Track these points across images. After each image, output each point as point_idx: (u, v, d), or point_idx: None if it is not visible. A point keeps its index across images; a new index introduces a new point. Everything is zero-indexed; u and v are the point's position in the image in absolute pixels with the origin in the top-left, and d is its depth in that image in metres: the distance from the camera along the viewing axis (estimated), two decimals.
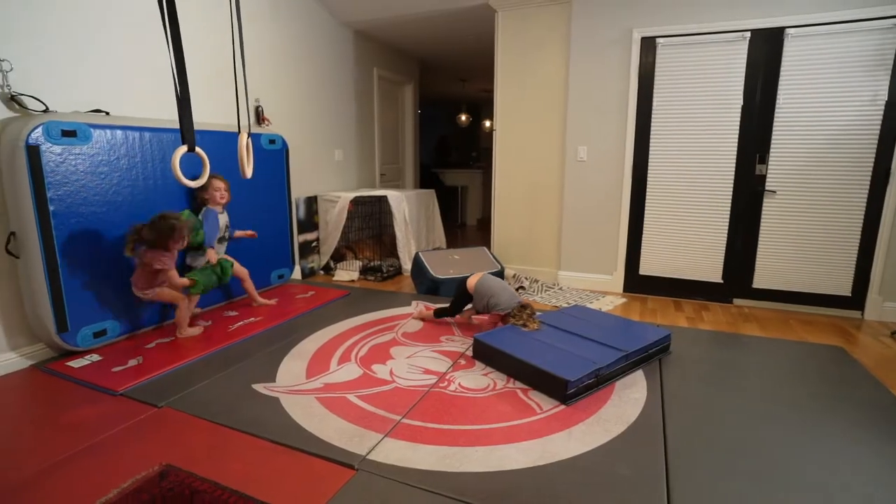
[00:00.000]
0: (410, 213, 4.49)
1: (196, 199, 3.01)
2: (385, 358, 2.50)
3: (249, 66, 3.56)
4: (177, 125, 2.88)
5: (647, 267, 3.83)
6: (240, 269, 3.18)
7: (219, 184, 2.97)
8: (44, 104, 2.38)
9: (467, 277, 2.89)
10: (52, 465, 1.66)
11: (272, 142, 3.58)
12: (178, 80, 1.85)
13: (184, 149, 2.05)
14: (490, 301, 2.74)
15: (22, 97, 2.32)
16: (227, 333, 2.83)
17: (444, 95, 8.97)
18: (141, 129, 2.70)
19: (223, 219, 3.04)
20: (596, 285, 3.98)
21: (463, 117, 8.70)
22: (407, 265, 4.41)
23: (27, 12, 2.35)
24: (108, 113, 2.66)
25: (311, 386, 2.20)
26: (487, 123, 9.90)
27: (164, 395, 2.12)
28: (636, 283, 3.88)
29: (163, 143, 2.81)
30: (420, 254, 3.86)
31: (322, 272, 4.52)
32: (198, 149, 2.12)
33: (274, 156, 3.62)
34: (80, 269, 2.47)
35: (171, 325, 2.91)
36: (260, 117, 3.70)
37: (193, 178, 2.17)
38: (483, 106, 10.06)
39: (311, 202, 4.40)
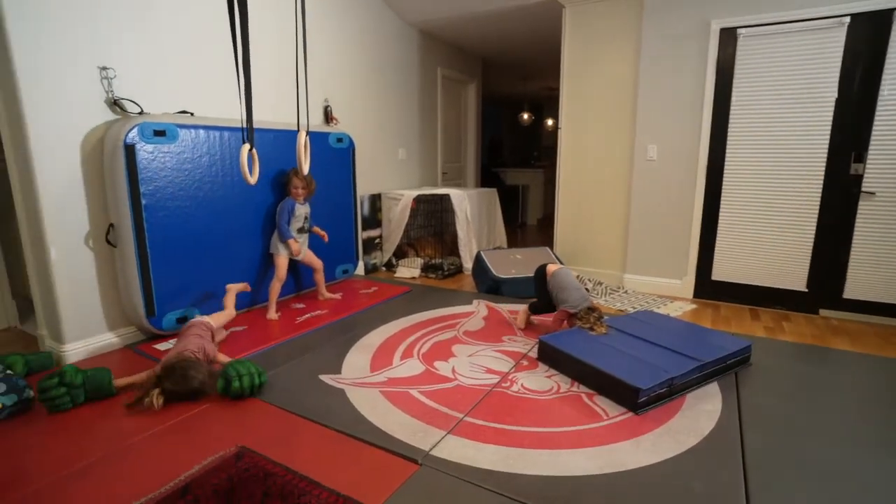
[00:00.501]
0: (472, 211, 4.49)
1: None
2: (447, 355, 2.51)
3: (319, 67, 3.70)
4: (258, 125, 3.08)
5: (720, 272, 3.61)
6: (314, 260, 3.30)
7: (297, 181, 3.11)
8: (139, 107, 2.58)
9: (546, 265, 2.88)
10: (142, 439, 1.80)
11: (339, 140, 3.70)
12: (243, 84, 1.92)
13: (248, 147, 2.15)
14: (559, 295, 2.69)
15: (122, 101, 2.53)
16: (296, 325, 2.95)
17: (504, 94, 8.91)
18: (221, 129, 2.86)
19: (302, 209, 3.17)
20: (664, 290, 3.80)
21: (525, 115, 8.60)
22: (468, 264, 4.41)
23: (129, 23, 2.56)
24: (192, 114, 2.85)
25: (375, 379, 2.25)
26: (550, 122, 9.73)
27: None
28: (708, 288, 3.67)
29: (241, 142, 2.97)
30: (482, 253, 3.85)
31: (384, 268, 4.61)
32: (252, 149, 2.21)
33: (341, 154, 3.73)
34: (166, 259, 2.66)
35: (247, 313, 3.08)
36: (329, 116, 3.83)
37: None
38: (545, 104, 9.89)
39: (375, 200, 4.51)
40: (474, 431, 1.83)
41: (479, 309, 3.26)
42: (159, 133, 2.56)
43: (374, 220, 4.52)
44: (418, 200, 4.52)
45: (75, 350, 2.51)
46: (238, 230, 3.02)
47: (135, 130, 2.45)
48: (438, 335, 2.79)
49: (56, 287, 2.42)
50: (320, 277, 3.40)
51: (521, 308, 3.02)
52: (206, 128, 2.78)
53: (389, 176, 4.68)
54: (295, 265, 3.38)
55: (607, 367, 2.08)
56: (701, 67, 3.44)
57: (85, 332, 2.55)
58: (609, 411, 1.97)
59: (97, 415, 1.98)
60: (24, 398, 2.02)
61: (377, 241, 4.57)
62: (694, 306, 3.53)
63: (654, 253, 3.82)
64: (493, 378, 2.26)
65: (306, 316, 3.10)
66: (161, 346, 2.61)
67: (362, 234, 4.37)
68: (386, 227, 4.58)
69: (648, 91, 3.66)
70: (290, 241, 3.11)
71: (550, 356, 2.37)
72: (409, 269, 4.37)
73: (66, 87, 2.35)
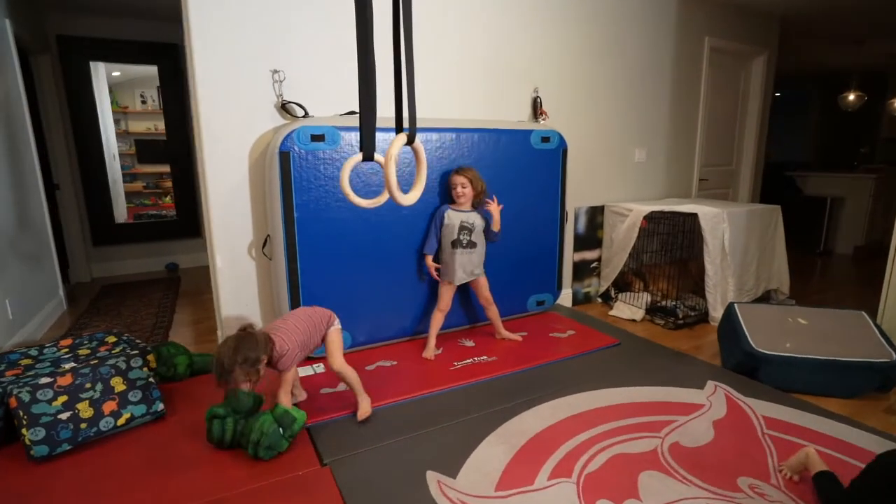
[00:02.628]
0: (734, 238, 3.12)
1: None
2: (627, 491, 1.53)
3: (527, 45, 2.99)
4: (432, 123, 2.60)
5: None
6: (482, 291, 2.66)
7: (455, 178, 2.52)
8: (304, 109, 2.37)
9: None
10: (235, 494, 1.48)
11: (546, 139, 2.92)
12: (360, 76, 1.34)
13: (358, 158, 1.58)
14: None
15: (290, 104, 2.35)
16: (448, 373, 2.36)
17: (813, 68, 6.47)
18: (391, 131, 2.45)
19: (458, 217, 2.54)
20: None
21: (851, 97, 6.01)
22: (715, 313, 3.09)
23: (295, 23, 2.35)
24: None
25: None
26: None
27: (337, 447, 1.78)
28: None
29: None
30: (736, 306, 2.54)
31: (600, 300, 3.65)
32: (378, 156, 1.63)
33: (546, 156, 2.95)
34: (318, 276, 2.40)
35: (406, 343, 2.65)
36: (537, 110, 3.09)
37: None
38: (891, 78, 6.87)
39: (595, 213, 3.57)
40: None
41: (713, 402, 2.07)
42: (317, 138, 2.29)
43: (592, 239, 3.59)
44: (651, 219, 3.38)
45: None
46: (405, 247, 2.59)
47: (291, 136, 2.23)
48: (629, 442, 1.80)
49: (220, 295, 2.41)
50: (492, 314, 2.72)
51: (803, 451, 1.60)
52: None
53: (618, 183, 3.65)
54: (470, 290, 2.79)
55: None
56: None
57: None
58: None
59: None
60: (152, 411, 1.98)
61: (594, 265, 3.63)
62: None
63: None
64: None
65: (467, 361, 2.48)
66: (305, 371, 2.37)
67: (574, 256, 3.50)
68: (607, 249, 3.60)
69: None
70: (428, 258, 2.55)
71: None
72: (629, 308, 3.31)
73: (239, 91, 2.27)
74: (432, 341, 2.57)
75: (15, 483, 1.68)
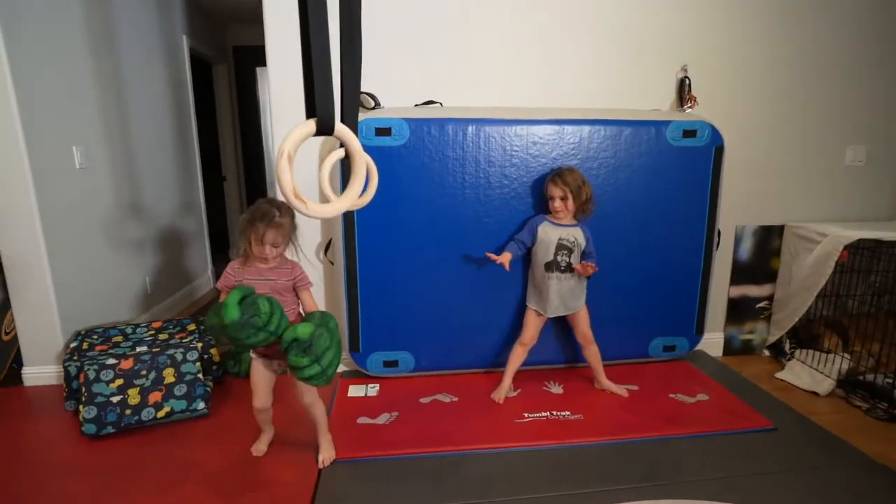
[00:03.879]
0: None
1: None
2: None
3: (670, 12, 2.30)
4: (523, 114, 2.12)
5: None
6: (580, 327, 2.09)
7: (551, 189, 2.00)
8: (374, 100, 2.11)
9: None
10: None
11: (690, 133, 2.18)
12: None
13: (337, 155, 1.22)
14: None
15: (362, 95, 2.12)
16: (514, 427, 1.88)
17: None
18: (473, 122, 2.06)
19: (556, 233, 2.01)
20: None
21: None
22: None
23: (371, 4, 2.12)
24: (441, 104, 2.17)
25: None
26: None
27: (338, 499, 1.48)
28: None
29: (505, 139, 2.08)
30: None
31: (766, 353, 2.69)
32: (348, 140, 1.23)
33: (690, 156, 2.21)
34: (380, 288, 2.14)
35: (478, 375, 2.24)
36: (684, 94, 2.34)
37: None
38: None
39: (769, 236, 2.61)
40: None
41: None
42: (383, 131, 2.02)
43: (761, 271, 2.65)
44: (856, 249, 2.32)
45: None
46: (487, 264, 2.17)
47: None
48: None
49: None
50: (590, 354, 2.13)
51: None
52: (452, 122, 2.05)
53: (811, 195, 2.62)
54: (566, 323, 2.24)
55: None
56: None
57: None
58: None
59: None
60: (192, 408, 1.95)
61: (762, 305, 2.68)
62: None
63: None
64: None
65: (542, 414, 1.96)
66: (353, 389, 2.14)
67: (731, 291, 2.63)
68: (783, 286, 2.61)
69: None
70: (507, 255, 2.00)
71: None
72: (810, 373, 2.34)
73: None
74: (506, 381, 2.11)
75: (65, 453, 1.78)
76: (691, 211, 2.27)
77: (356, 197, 0.91)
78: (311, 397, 1.64)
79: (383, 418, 1.92)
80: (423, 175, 2.07)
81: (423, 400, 2.07)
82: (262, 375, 1.62)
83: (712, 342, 2.61)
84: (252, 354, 1.60)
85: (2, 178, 2.08)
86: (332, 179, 2.02)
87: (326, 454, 1.68)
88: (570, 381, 2.23)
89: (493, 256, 1.99)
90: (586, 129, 2.12)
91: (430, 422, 1.90)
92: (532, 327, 2.10)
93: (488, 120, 2.06)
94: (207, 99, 4.36)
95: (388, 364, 2.21)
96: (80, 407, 1.86)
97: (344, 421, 1.91)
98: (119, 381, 1.89)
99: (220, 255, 4.14)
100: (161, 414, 1.91)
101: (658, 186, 2.20)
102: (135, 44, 2.90)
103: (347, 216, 2.06)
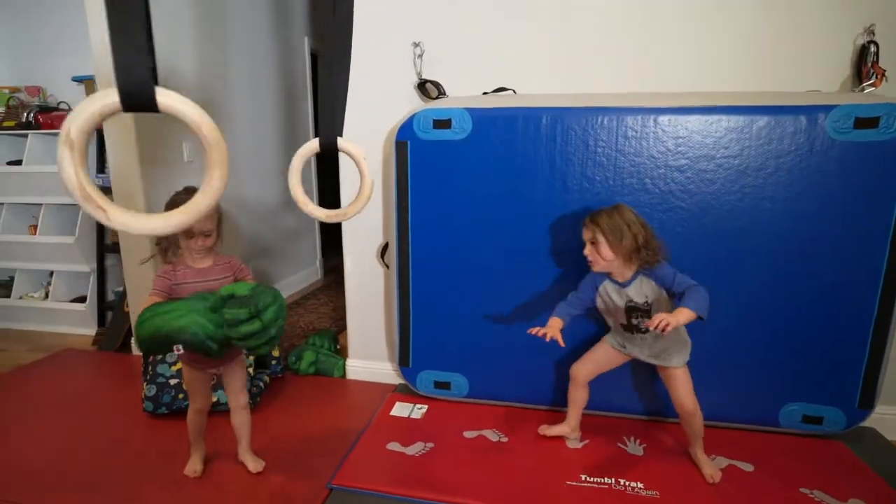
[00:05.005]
0: None
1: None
2: None
3: None
4: (611, 103, 1.68)
5: None
6: (679, 392, 1.58)
7: (584, 231, 1.53)
8: (438, 89, 1.87)
9: None
10: None
11: (866, 122, 1.53)
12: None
13: (313, 146, 1.01)
14: None
15: (427, 84, 1.90)
16: (565, 490, 1.51)
17: None
18: (548, 112, 1.70)
19: (618, 295, 1.53)
20: None
21: None
22: None
23: None
24: (514, 91, 1.84)
25: None
26: None
27: None
28: None
29: (587, 132, 1.69)
30: None
31: None
32: (347, 144, 1.01)
33: (864, 154, 1.56)
34: (434, 300, 1.92)
35: (535, 413, 1.88)
36: (865, 68, 1.66)
37: None
38: None
39: None
40: None
41: None
42: (442, 124, 1.77)
43: None
44: None
45: (354, 367, 2.27)
46: (559, 286, 1.80)
47: (411, 121, 1.79)
48: None
49: (347, 298, 2.22)
50: (690, 425, 1.60)
51: None
52: (523, 111, 1.72)
53: None
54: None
55: None
56: None
57: (366, 352, 2.26)
58: None
59: None
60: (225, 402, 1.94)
61: None
62: None
63: None
64: None
65: (605, 480, 1.54)
66: (397, 408, 1.95)
67: None
68: None
69: None
70: (553, 321, 1.54)
71: None
72: None
73: (374, 70, 1.97)
74: (570, 421, 1.73)
75: (126, 425, 1.90)
76: (862, 233, 1.60)
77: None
78: (245, 400, 1.53)
79: (415, 448, 1.70)
80: (487, 175, 1.78)
81: (468, 434, 1.79)
82: (196, 377, 1.50)
83: (889, 419, 1.85)
84: (179, 356, 1.46)
85: (118, 167, 2.32)
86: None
87: (255, 466, 1.58)
88: (657, 441, 1.75)
89: (537, 331, 1.50)
90: (698, 119, 1.62)
91: (463, 464, 1.62)
92: (598, 361, 1.68)
93: (567, 109, 1.69)
94: None
95: (439, 385, 1.98)
96: (144, 384, 1.97)
97: (373, 443, 1.73)
98: (179, 365, 1.97)
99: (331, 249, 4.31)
100: None
101: (808, 197, 1.60)
102: (248, 44, 3.07)
103: (402, 220, 1.86)
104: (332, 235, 4.17)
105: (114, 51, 0.52)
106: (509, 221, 1.80)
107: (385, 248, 2.08)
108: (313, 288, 3.84)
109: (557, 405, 1.89)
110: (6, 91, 3.09)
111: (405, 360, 2.00)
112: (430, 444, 1.72)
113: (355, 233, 2.14)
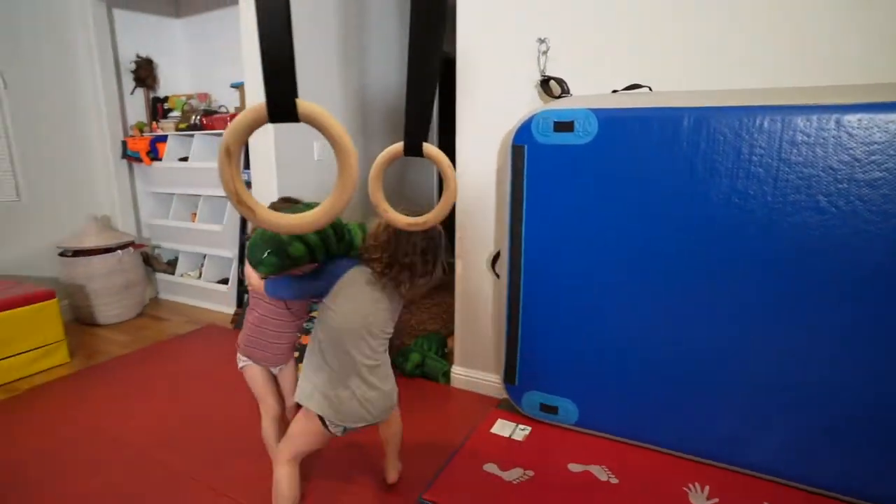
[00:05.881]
0: None
1: None
2: None
3: None
4: (772, 100, 1.38)
5: None
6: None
7: None
8: (561, 87, 1.71)
9: None
10: None
11: None
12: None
13: (396, 150, 0.95)
14: None
15: (551, 81, 1.75)
16: None
17: None
18: (688, 112, 1.46)
19: None
20: None
21: None
22: None
23: None
24: (650, 88, 1.61)
25: None
26: None
27: None
28: None
29: (739, 136, 1.42)
30: None
31: None
32: (432, 149, 0.93)
33: None
34: (546, 315, 1.78)
35: (667, 459, 1.66)
36: None
37: None
38: None
39: None
40: None
41: None
42: (563, 126, 1.61)
43: None
44: None
45: (458, 375, 2.22)
46: (709, 303, 1.56)
47: (529, 124, 1.66)
48: None
49: (456, 303, 2.17)
50: None
51: None
52: (657, 112, 1.50)
53: None
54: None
55: None
56: None
57: (471, 360, 2.19)
58: None
59: None
60: None
61: None
62: None
63: None
64: None
65: None
66: (498, 425, 1.85)
67: None
68: None
69: None
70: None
71: None
72: None
73: (497, 68, 1.87)
74: None
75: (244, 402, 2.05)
76: None
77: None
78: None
79: (513, 475, 1.59)
80: (612, 184, 1.59)
81: (573, 467, 1.63)
82: (257, 374, 1.52)
83: None
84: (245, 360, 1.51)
85: (258, 166, 2.54)
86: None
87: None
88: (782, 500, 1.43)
89: None
90: (766, 117, 1.28)
91: (564, 502, 1.47)
92: None
93: (715, 109, 1.43)
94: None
95: (545, 408, 1.84)
96: None
97: (470, 460, 1.66)
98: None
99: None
100: None
101: None
102: (380, 50, 3.16)
103: (515, 229, 1.75)
104: (452, 233, 4.21)
105: (264, 70, 0.58)
106: (638, 238, 1.59)
107: (497, 256, 1.98)
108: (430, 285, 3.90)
109: (686, 453, 1.65)
110: (183, 98, 3.55)
111: (511, 377, 1.89)
112: (530, 472, 1.60)
113: (467, 238, 2.08)
